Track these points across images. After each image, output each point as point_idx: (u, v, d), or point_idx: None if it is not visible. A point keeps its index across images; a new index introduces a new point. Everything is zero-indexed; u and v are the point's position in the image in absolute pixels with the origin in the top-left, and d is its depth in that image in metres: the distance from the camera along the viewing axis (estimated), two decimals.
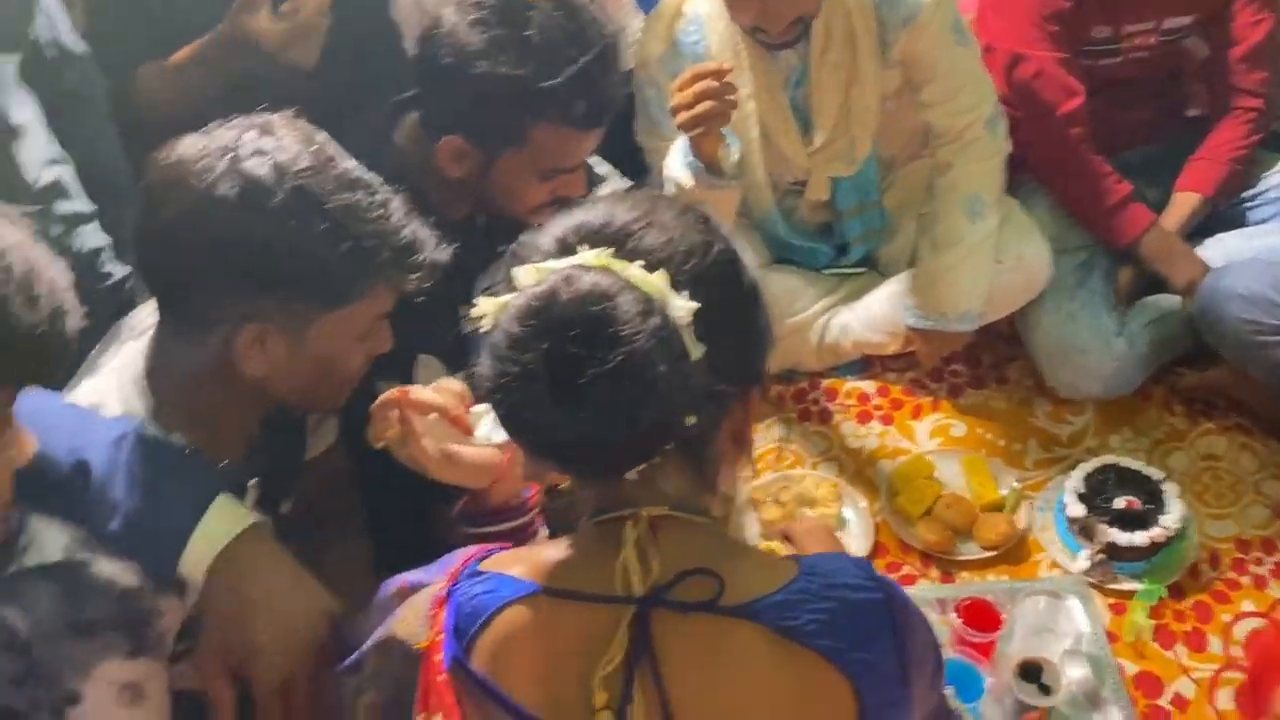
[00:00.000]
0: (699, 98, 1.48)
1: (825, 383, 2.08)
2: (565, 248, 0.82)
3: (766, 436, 1.99)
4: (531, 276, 0.80)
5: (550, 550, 0.87)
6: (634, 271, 0.78)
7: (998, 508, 1.81)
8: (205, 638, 0.96)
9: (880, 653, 0.82)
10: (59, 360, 0.85)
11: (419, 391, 1.15)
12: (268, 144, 1.04)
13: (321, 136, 1.09)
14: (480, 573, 0.86)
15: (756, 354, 0.88)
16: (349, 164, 1.09)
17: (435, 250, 1.13)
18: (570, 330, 0.75)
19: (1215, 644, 1.62)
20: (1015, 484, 1.84)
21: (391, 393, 1.14)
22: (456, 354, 1.42)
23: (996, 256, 1.92)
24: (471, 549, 0.91)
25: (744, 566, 0.84)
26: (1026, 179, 2.10)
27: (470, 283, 1.39)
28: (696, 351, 0.78)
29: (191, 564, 0.94)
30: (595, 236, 0.82)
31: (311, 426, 1.38)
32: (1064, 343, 1.93)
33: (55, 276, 0.83)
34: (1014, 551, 1.76)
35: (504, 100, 1.37)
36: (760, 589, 0.82)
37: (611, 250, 0.80)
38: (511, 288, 0.81)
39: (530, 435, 0.81)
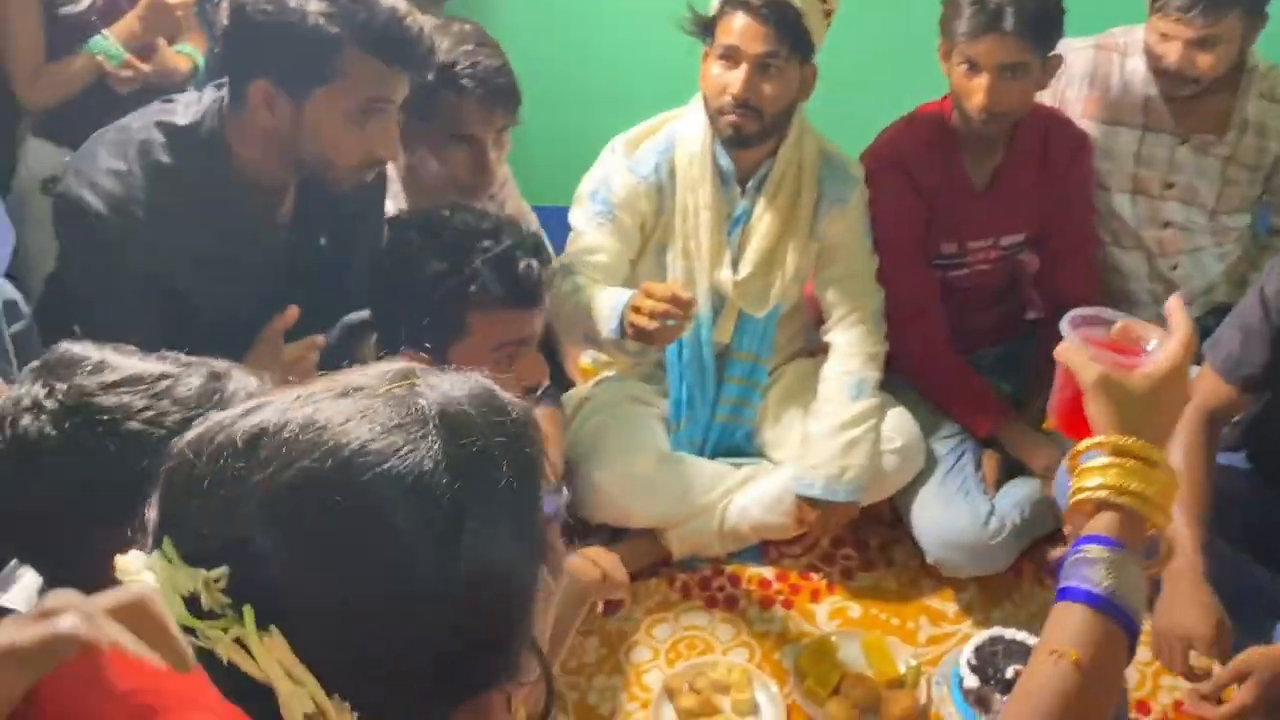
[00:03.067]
0: (660, 319, 1.66)
1: (728, 569, 2.18)
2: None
3: (676, 625, 2.06)
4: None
5: None
6: (224, 649, 0.57)
7: (899, 684, 1.92)
8: None
9: None
10: None
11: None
12: None
13: None
14: None
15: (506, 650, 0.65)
16: None
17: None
18: None
19: None
20: (912, 660, 1.96)
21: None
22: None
23: (878, 439, 2.11)
24: None
25: None
26: (898, 376, 2.32)
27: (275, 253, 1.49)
28: None
29: None
30: (222, 529, 0.60)
31: None
32: (942, 524, 2.10)
33: None
34: None
35: (309, 32, 1.43)
36: None
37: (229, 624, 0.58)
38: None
39: None
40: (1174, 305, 0.96)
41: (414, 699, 0.62)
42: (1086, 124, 2.29)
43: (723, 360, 2.21)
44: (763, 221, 2.09)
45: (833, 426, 2.09)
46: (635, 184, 2.06)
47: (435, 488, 0.60)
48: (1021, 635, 1.91)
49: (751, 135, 2.00)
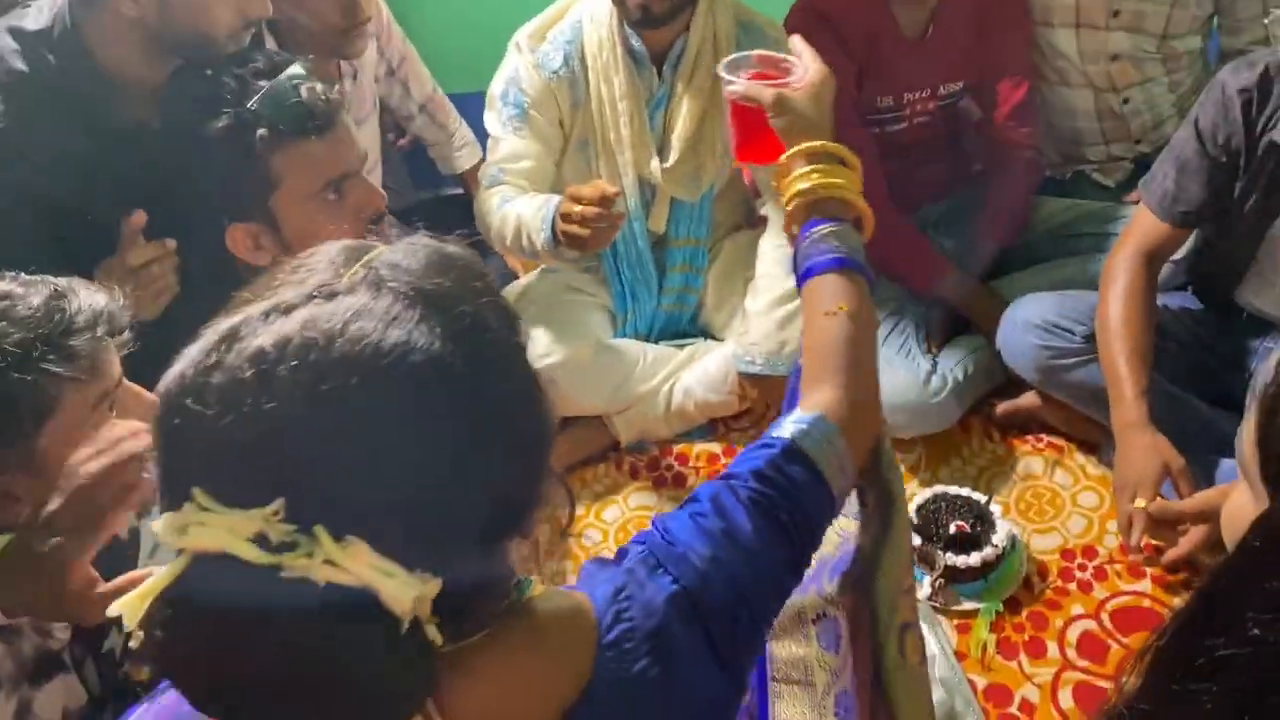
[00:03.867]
0: (592, 222, 1.64)
1: (676, 449, 2.17)
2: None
3: (625, 506, 2.06)
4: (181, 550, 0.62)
5: None
6: (319, 571, 0.60)
7: None
8: None
9: (701, 694, 0.76)
10: None
11: None
12: None
13: None
14: None
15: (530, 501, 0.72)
16: None
17: None
18: (242, 667, 0.60)
19: (1052, 649, 1.74)
20: None
21: None
22: None
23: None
24: None
25: (544, 671, 0.73)
26: None
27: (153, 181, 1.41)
28: (434, 629, 0.64)
29: None
30: (263, 461, 0.61)
31: None
32: (885, 386, 2.03)
33: None
34: None
35: None
36: (561, 702, 0.72)
37: (285, 524, 0.60)
38: None
39: None
40: (796, 43, 1.21)
41: (479, 548, 0.68)
42: None
43: (661, 249, 2.16)
44: (684, 103, 2.01)
45: (770, 302, 2.06)
46: (545, 80, 1.99)
47: (453, 364, 0.64)
48: (964, 491, 1.91)
49: (662, 13, 1.91)
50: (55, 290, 1.07)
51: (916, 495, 1.92)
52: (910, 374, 2.06)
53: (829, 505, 0.90)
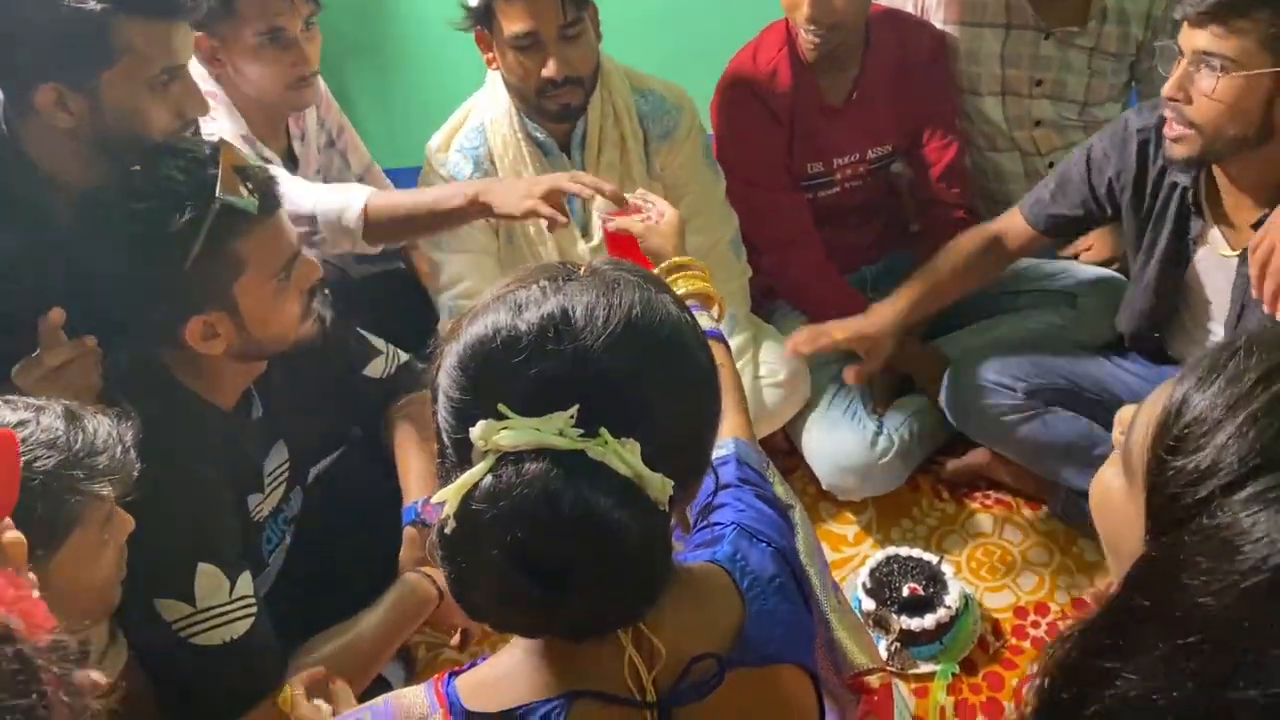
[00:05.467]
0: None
1: None
2: (535, 397, 0.77)
3: None
4: (488, 452, 0.77)
5: (538, 659, 0.86)
6: (610, 458, 0.76)
7: None
8: None
9: (806, 624, 0.98)
10: None
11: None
12: None
13: None
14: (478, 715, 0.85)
15: (710, 444, 0.90)
16: None
17: None
18: (550, 532, 0.74)
19: (1009, 710, 1.72)
20: None
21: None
22: (231, 556, 1.43)
23: (757, 373, 2.08)
24: (404, 689, 0.90)
25: (710, 606, 0.91)
26: (779, 304, 2.29)
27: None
28: (666, 500, 0.79)
29: None
30: (562, 386, 0.77)
31: None
32: (831, 452, 2.07)
33: None
34: None
35: (73, 18, 1.33)
36: (730, 621, 0.90)
37: (579, 423, 0.76)
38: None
39: (508, 621, 0.83)
40: (645, 194, 1.59)
41: (700, 463, 0.88)
42: (950, 29, 2.24)
43: None
44: (597, 176, 1.99)
45: None
46: None
47: (686, 326, 0.85)
48: (916, 552, 1.90)
49: (579, 106, 1.93)
50: (67, 409, 1.10)
51: (870, 558, 1.91)
52: (857, 436, 2.06)
53: (774, 497, 1.12)
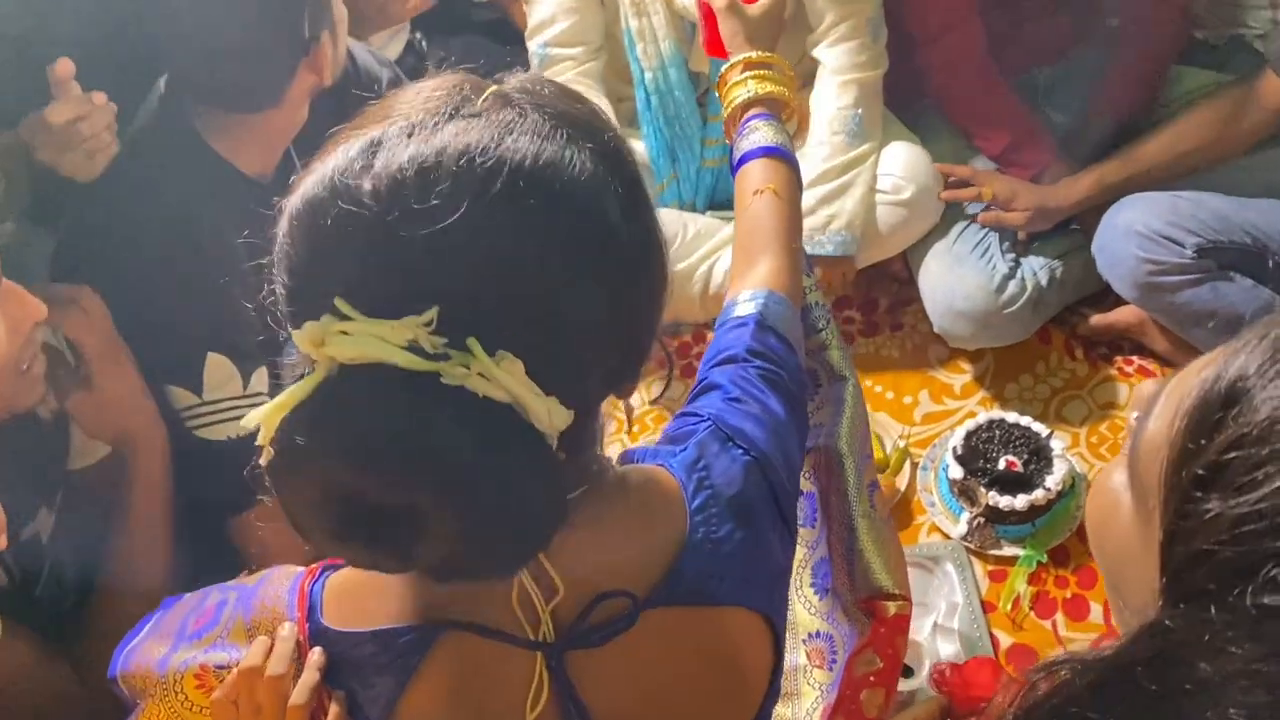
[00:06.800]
0: None
1: (710, 334, 1.96)
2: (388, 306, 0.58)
3: (646, 396, 1.88)
4: (319, 362, 0.60)
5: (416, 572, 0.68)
6: (475, 381, 0.58)
7: (881, 468, 1.71)
8: None
9: (776, 559, 0.79)
10: None
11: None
12: None
13: None
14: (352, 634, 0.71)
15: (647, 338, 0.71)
16: None
17: None
18: (383, 479, 0.58)
19: (1096, 612, 1.52)
20: (899, 441, 1.74)
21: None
22: (248, 348, 1.31)
23: (878, 185, 1.80)
24: (288, 568, 0.78)
25: (639, 529, 0.74)
26: (927, 102, 1.95)
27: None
28: (557, 431, 0.62)
29: None
30: (420, 276, 0.59)
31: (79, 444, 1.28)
32: (948, 291, 1.78)
33: None
34: (895, 514, 1.66)
35: None
36: (665, 549, 0.72)
37: (436, 330, 0.58)
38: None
39: (356, 562, 0.67)
40: None
41: (600, 391, 0.68)
42: None
43: (703, 98, 1.88)
44: None
45: (819, 173, 1.78)
46: None
47: (607, 187, 0.64)
48: (1024, 420, 1.65)
49: None
50: None
51: (968, 421, 1.68)
52: (981, 276, 1.76)
53: (802, 370, 0.93)
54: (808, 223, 1.79)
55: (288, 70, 1.29)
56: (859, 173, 1.79)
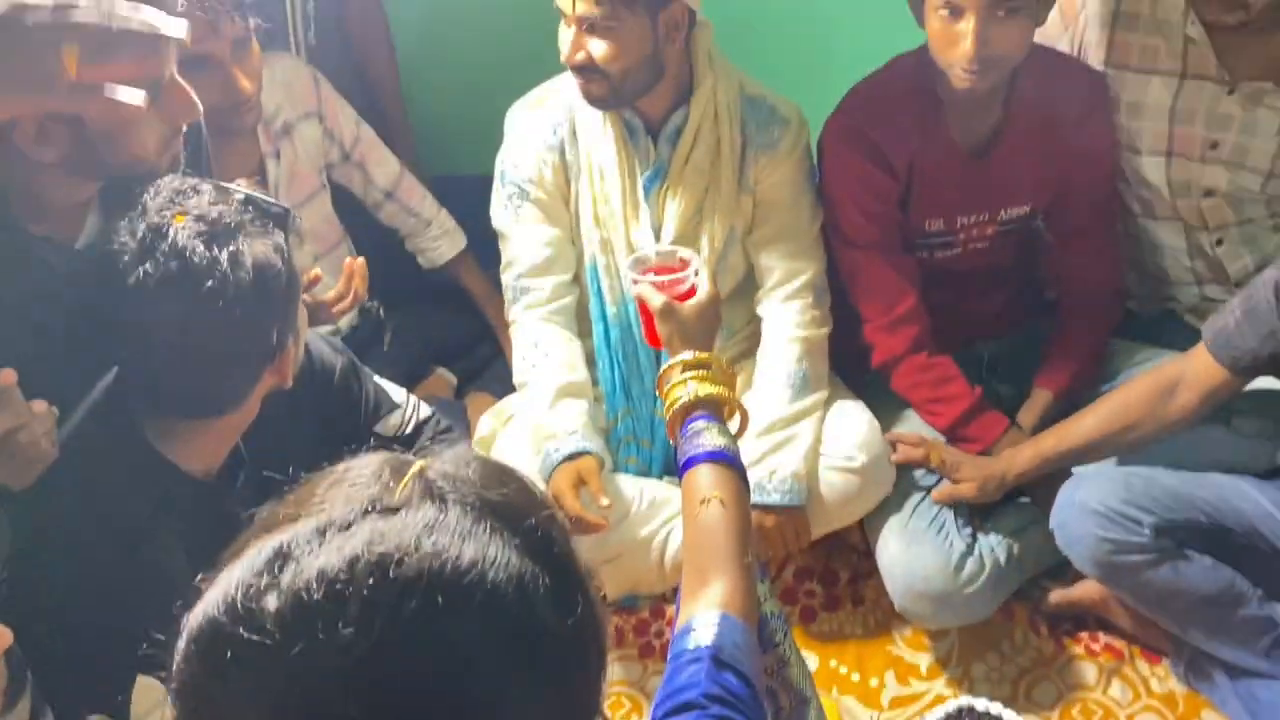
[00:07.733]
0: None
1: (670, 609, 1.89)
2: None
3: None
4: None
5: None
6: None
7: None
8: None
9: None
10: None
11: None
12: None
13: None
14: None
15: None
16: None
17: None
18: None
19: None
20: None
21: None
22: None
23: (830, 453, 1.82)
24: None
25: None
26: (874, 374, 1.99)
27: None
28: None
29: None
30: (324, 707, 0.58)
31: None
32: (907, 570, 1.76)
33: None
34: None
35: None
36: None
37: None
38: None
39: None
40: (696, 261, 1.39)
41: None
42: (1110, 73, 1.88)
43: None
44: (682, 176, 1.82)
45: (765, 425, 1.79)
46: (536, 153, 1.85)
47: (532, 582, 0.62)
48: (994, 707, 1.59)
49: (602, 97, 1.75)
50: None
51: (939, 705, 1.61)
52: (939, 555, 1.74)
53: (761, 707, 0.91)
54: (753, 474, 1.78)
55: (254, 377, 1.27)
56: (805, 424, 1.81)
